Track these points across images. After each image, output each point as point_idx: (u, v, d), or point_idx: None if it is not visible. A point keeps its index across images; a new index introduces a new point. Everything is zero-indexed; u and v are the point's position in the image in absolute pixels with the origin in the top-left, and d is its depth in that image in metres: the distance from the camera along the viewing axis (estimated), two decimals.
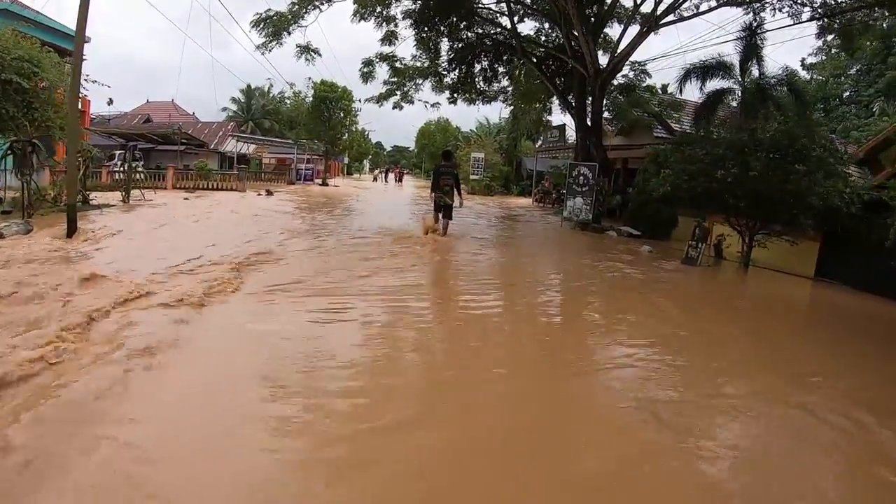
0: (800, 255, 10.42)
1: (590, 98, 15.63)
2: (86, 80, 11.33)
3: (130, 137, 30.50)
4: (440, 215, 10.32)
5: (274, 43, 14.14)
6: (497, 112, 67.03)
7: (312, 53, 15.07)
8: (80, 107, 25.42)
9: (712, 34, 33.58)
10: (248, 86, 49.31)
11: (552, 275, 8.39)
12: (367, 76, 19.02)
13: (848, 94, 29.29)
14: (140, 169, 22.58)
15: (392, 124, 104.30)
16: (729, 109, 17.65)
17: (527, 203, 27.79)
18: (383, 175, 54.68)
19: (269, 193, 19.79)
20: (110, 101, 46.17)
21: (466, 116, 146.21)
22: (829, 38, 14.78)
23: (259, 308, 5.10)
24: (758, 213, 9.72)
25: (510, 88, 21.47)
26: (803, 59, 28.07)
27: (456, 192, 10.22)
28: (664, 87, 23.06)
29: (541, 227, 16.12)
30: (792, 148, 8.96)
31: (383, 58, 18.03)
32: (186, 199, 16.95)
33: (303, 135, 30.57)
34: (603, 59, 16.05)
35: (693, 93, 18.76)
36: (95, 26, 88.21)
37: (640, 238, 13.77)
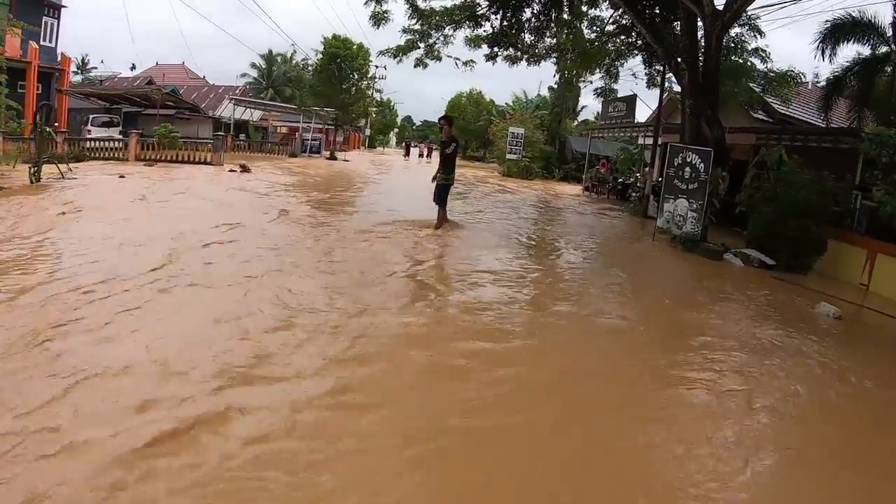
0: None
1: (701, 54, 10.35)
2: None
3: (109, 99, 26.61)
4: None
5: None
6: (536, 86, 61.15)
7: None
8: (58, 64, 21.81)
9: None
10: (270, 51, 44.91)
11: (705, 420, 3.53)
12: (378, 18, 14.10)
13: None
14: (117, 136, 19.29)
15: (422, 98, 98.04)
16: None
17: (576, 191, 22.73)
18: (408, 149, 44.83)
19: (245, 170, 15.18)
20: (133, 67, 42.28)
21: (502, 90, 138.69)
22: None
23: None
24: None
25: (565, 44, 16.13)
26: None
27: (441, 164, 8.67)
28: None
29: (617, 239, 11.14)
30: None
31: None
32: (122, 177, 12.47)
33: (308, 99, 25.60)
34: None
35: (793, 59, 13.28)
36: None
37: (775, 270, 8.80)
